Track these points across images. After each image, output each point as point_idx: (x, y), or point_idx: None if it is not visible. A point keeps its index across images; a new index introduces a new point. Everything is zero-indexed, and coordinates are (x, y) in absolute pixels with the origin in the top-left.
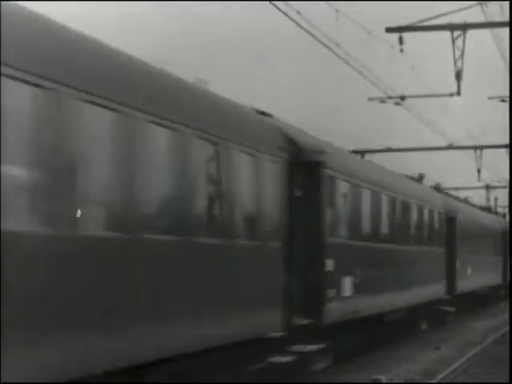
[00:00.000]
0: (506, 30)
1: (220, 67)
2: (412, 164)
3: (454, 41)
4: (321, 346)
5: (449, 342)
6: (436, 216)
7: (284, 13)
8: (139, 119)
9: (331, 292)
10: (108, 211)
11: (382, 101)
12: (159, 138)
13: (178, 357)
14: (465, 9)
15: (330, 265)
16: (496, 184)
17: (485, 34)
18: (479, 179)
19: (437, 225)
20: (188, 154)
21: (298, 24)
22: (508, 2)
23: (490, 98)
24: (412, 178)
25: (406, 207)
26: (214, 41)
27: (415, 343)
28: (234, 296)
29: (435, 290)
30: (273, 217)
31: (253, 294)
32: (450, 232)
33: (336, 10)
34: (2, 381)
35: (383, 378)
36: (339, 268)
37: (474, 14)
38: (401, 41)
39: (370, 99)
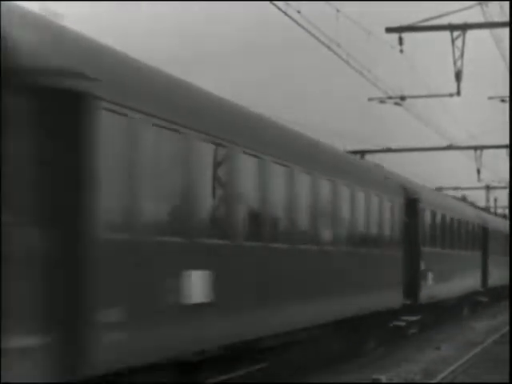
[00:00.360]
0: (506, 30)
1: (220, 67)
2: (412, 164)
3: (453, 41)
4: (418, 317)
5: (449, 342)
6: (476, 227)
7: (284, 12)
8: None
9: (422, 283)
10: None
11: (382, 101)
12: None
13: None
14: (465, 9)
15: (422, 265)
16: (496, 184)
17: (485, 34)
18: (479, 179)
19: (477, 234)
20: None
21: (298, 24)
22: (508, 2)
23: (490, 97)
24: (457, 199)
25: (459, 223)
26: (215, 41)
27: (415, 343)
28: (384, 282)
29: (474, 283)
30: (398, 235)
31: (390, 281)
32: (484, 239)
33: (337, 10)
34: (1, 381)
35: (383, 378)
36: (426, 267)
37: (474, 14)
38: (401, 41)
39: (370, 99)
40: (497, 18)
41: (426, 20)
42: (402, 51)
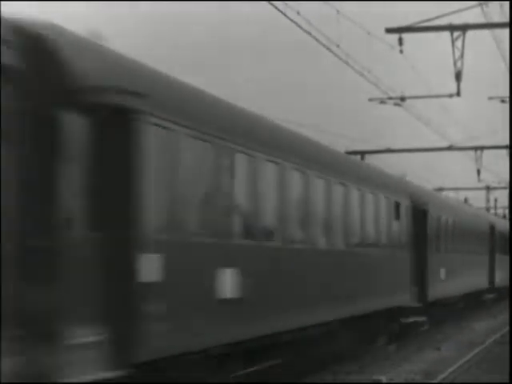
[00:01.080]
0: (506, 30)
1: (220, 67)
2: (412, 165)
3: (453, 41)
4: (494, 295)
5: (449, 343)
6: None
7: (283, 13)
8: None
9: (496, 274)
10: None
11: (382, 101)
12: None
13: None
14: (465, 9)
15: (496, 265)
16: (496, 185)
17: (485, 34)
18: (479, 180)
19: None
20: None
21: (297, 25)
22: (508, 2)
23: (490, 98)
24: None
25: (503, 235)
26: (215, 41)
27: (415, 343)
28: (481, 273)
29: None
30: (486, 248)
31: (482, 273)
32: None
33: (336, 10)
34: (1, 381)
35: (383, 378)
36: (497, 266)
37: (474, 15)
38: (400, 41)
39: (371, 100)
40: (497, 19)
41: (426, 20)
42: (401, 51)
